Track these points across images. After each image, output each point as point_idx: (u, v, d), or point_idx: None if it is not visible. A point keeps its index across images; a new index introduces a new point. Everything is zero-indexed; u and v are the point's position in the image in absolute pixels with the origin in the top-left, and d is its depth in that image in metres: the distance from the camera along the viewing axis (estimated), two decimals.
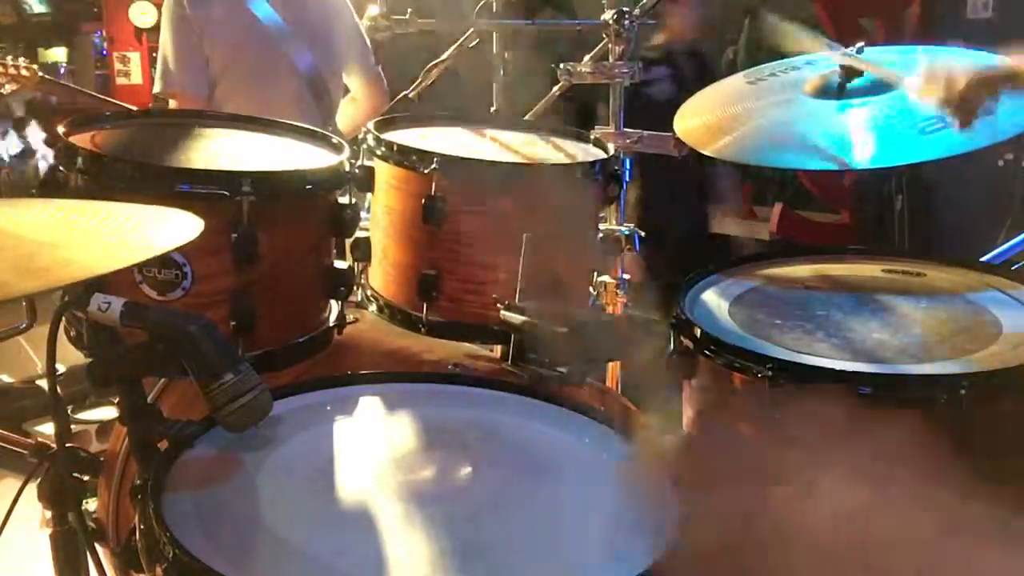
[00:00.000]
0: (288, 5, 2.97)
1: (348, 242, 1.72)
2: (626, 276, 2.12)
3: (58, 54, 7.08)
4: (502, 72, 2.49)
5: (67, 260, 1.01)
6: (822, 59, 1.89)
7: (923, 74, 1.52)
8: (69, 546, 1.44)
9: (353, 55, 3.16)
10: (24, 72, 3.73)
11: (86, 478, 1.58)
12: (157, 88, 2.98)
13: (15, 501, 1.53)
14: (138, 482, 1.16)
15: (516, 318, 1.54)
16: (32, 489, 1.48)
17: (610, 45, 2.21)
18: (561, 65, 2.29)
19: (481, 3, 2.44)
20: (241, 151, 1.72)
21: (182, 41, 2.90)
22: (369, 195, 1.76)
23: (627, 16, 2.17)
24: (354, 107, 3.23)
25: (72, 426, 3.56)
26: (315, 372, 1.59)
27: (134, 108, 3.31)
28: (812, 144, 1.71)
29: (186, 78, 2.89)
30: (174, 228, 1.15)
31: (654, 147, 2.23)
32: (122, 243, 1.09)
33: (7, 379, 4.01)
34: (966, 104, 1.50)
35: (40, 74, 3.82)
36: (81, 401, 3.82)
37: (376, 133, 1.72)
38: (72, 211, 1.20)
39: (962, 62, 1.51)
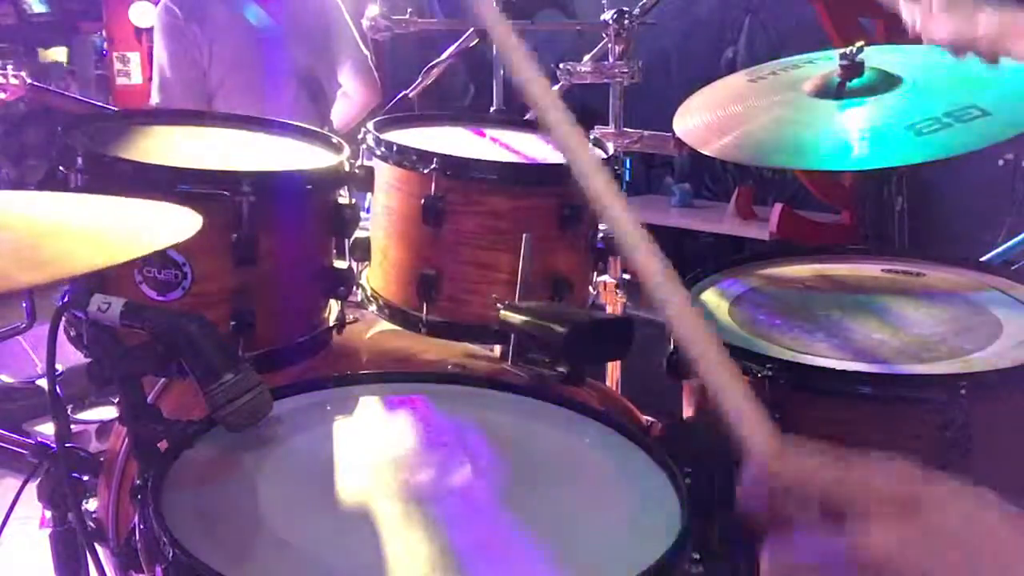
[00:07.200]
0: (282, 8, 2.97)
1: (348, 242, 1.72)
2: (626, 276, 2.12)
3: (58, 54, 7.09)
4: (502, 72, 2.50)
5: (70, 253, 1.01)
6: (823, 58, 1.89)
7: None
8: (69, 546, 1.44)
9: (346, 52, 3.16)
10: (13, 80, 3.71)
11: (86, 478, 1.58)
12: (155, 101, 2.97)
13: (15, 501, 1.53)
14: (138, 482, 1.16)
15: (516, 318, 1.54)
16: (32, 489, 1.48)
17: (610, 45, 2.21)
18: (561, 65, 2.29)
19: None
20: (241, 151, 1.72)
21: (178, 52, 2.89)
22: (369, 195, 1.76)
23: (627, 16, 2.18)
24: (346, 103, 3.23)
25: (72, 426, 3.55)
26: (315, 372, 1.59)
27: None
28: (812, 144, 1.72)
29: (184, 90, 2.89)
30: (175, 224, 1.15)
31: (654, 147, 2.23)
32: (124, 237, 1.09)
33: (7, 379, 4.01)
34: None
35: (30, 82, 3.80)
36: (81, 401, 3.81)
37: (376, 133, 1.72)
38: (73, 206, 1.20)
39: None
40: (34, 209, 1.15)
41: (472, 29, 2.48)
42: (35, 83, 3.86)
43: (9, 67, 3.76)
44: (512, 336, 1.58)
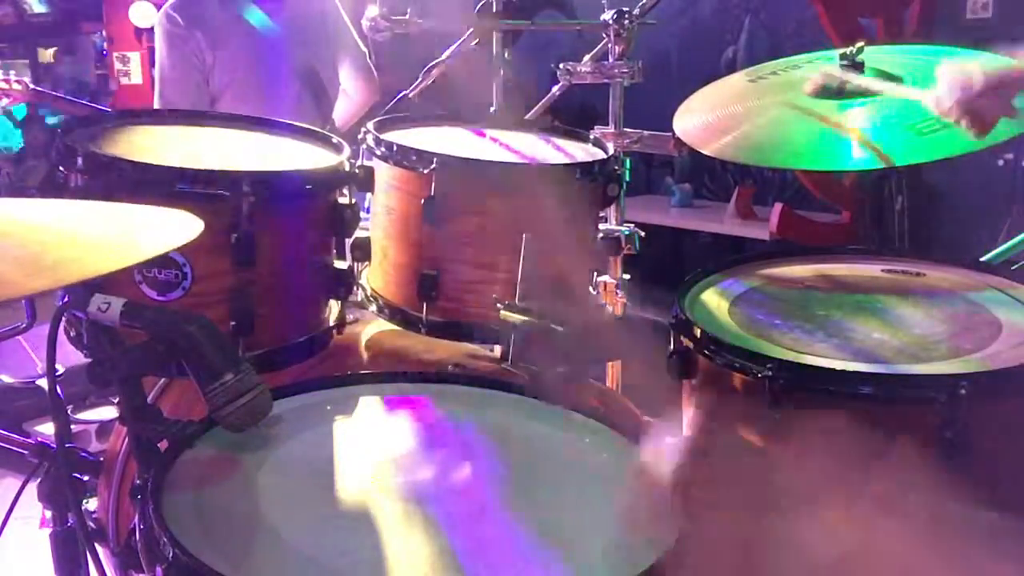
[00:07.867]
0: (282, 9, 2.97)
1: (348, 242, 1.72)
2: (626, 276, 2.12)
3: None
4: (502, 72, 2.50)
5: (72, 259, 1.01)
6: (823, 58, 1.89)
7: (941, 85, 1.49)
8: (69, 546, 1.44)
9: (345, 50, 3.15)
10: (16, 85, 3.75)
11: (86, 478, 1.58)
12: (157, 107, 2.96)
13: (15, 501, 1.53)
14: (138, 482, 1.16)
15: (516, 318, 1.54)
16: (32, 489, 1.48)
17: (610, 45, 2.21)
18: (561, 65, 2.29)
19: (481, 3, 2.44)
20: (241, 151, 1.72)
21: (180, 59, 2.88)
22: (369, 195, 1.76)
23: (627, 16, 2.17)
24: (346, 102, 3.22)
25: (72, 426, 3.56)
26: (315, 372, 1.59)
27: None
28: (812, 144, 1.71)
29: (185, 98, 2.88)
30: (176, 228, 1.15)
31: (654, 147, 2.23)
32: (126, 242, 1.09)
33: (7, 379, 4.01)
34: (984, 111, 1.47)
35: (32, 86, 3.84)
36: (81, 401, 3.81)
37: (376, 133, 1.72)
38: (74, 211, 1.20)
39: (975, 65, 1.49)
40: (36, 216, 1.15)
41: (472, 29, 2.48)
42: (37, 87, 3.90)
43: (12, 73, 3.80)
44: (512, 336, 1.58)
